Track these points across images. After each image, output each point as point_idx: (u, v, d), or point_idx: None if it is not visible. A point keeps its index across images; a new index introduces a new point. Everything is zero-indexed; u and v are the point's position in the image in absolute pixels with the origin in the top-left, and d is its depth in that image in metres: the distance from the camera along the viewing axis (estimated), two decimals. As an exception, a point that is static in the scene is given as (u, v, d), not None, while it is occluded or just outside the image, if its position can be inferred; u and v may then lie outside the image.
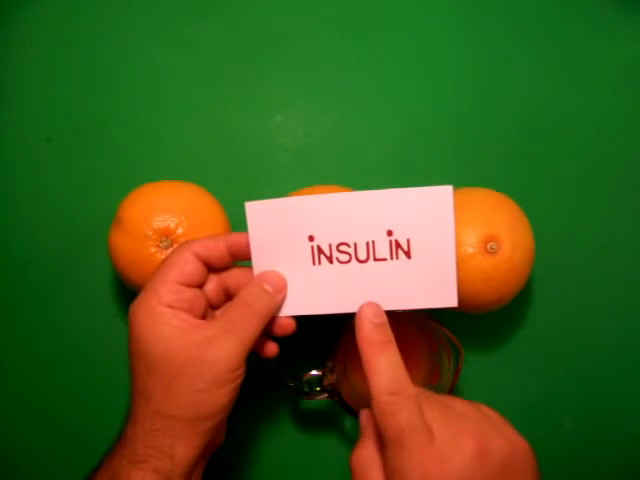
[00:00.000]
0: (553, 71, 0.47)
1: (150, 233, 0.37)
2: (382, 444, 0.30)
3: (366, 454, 0.30)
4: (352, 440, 0.42)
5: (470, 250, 0.36)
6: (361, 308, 0.32)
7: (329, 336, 0.38)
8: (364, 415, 0.33)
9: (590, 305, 0.44)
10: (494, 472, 0.28)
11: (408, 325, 0.38)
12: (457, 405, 0.31)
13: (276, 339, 0.35)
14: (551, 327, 0.43)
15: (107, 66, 0.47)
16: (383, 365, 0.30)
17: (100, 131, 0.46)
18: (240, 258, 0.34)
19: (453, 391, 0.37)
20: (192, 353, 0.30)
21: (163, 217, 0.37)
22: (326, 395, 0.37)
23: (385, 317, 0.32)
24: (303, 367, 0.39)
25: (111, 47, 0.47)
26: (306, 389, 0.38)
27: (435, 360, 0.38)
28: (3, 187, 0.45)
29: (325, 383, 0.37)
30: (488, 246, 0.36)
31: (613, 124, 0.46)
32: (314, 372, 0.37)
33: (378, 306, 0.32)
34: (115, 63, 0.47)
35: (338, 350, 0.37)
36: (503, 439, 0.29)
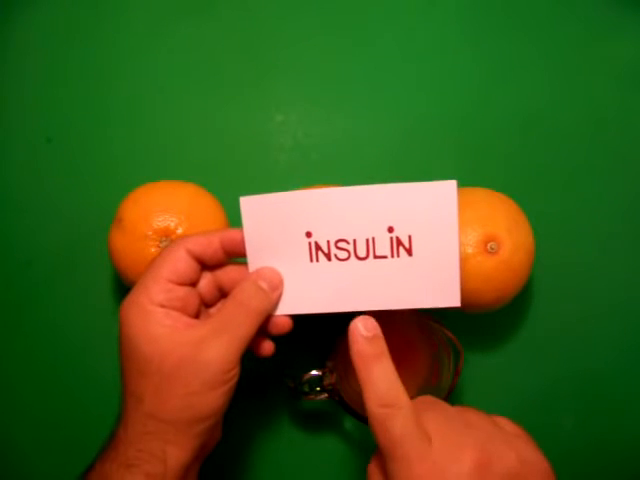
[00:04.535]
0: (553, 71, 0.47)
1: (150, 233, 0.37)
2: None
3: (375, 464, 0.30)
4: (352, 440, 0.42)
5: (470, 250, 0.36)
6: (353, 322, 0.30)
7: (329, 336, 0.38)
8: None
9: (590, 305, 0.44)
10: None
11: (408, 325, 0.38)
12: (469, 415, 0.30)
13: (273, 338, 0.34)
14: (551, 327, 0.43)
15: (107, 66, 0.47)
16: (376, 377, 0.29)
17: (100, 131, 0.46)
18: (235, 255, 0.33)
19: (453, 391, 0.37)
20: (185, 354, 0.29)
21: (163, 217, 0.37)
22: (326, 395, 0.37)
23: (379, 330, 0.30)
24: (303, 367, 0.39)
25: (111, 47, 0.47)
26: (306, 389, 0.38)
27: (435, 360, 0.38)
28: (3, 187, 0.45)
29: (325, 383, 0.37)
30: (488, 246, 0.36)
31: (613, 124, 0.46)
32: (314, 372, 0.37)
33: (371, 319, 0.30)
34: (115, 63, 0.47)
35: (338, 350, 0.37)
36: (512, 453, 0.28)
